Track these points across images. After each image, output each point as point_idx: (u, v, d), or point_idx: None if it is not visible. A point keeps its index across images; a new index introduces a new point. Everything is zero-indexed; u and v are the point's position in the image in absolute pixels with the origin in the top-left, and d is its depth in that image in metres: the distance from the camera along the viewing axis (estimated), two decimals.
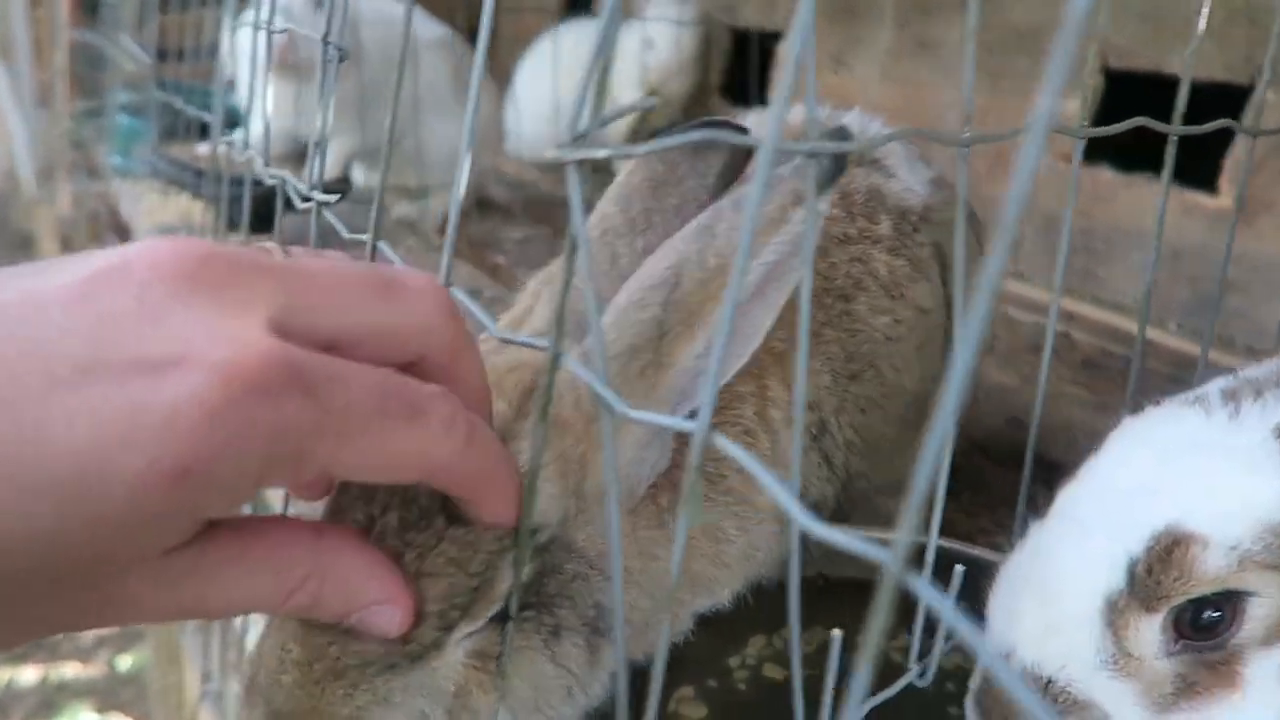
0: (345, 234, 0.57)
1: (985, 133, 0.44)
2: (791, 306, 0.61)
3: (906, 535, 0.25)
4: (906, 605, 0.63)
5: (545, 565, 0.49)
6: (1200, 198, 1.38)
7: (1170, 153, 0.61)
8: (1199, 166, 1.30)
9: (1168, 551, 0.44)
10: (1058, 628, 0.47)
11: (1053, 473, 0.70)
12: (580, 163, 0.35)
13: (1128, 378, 1.31)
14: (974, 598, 0.58)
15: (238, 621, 0.90)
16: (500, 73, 2.23)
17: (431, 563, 0.45)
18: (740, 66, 2.11)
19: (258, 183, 0.79)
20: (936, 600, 0.26)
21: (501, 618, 0.48)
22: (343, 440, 0.35)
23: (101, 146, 2.33)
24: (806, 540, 0.67)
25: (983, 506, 0.89)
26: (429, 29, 1.70)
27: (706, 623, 0.62)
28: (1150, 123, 0.58)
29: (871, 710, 0.54)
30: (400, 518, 0.45)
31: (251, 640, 0.87)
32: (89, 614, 0.35)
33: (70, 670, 3.06)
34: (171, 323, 0.32)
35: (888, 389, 0.69)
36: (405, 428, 0.37)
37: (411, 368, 0.40)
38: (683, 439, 0.56)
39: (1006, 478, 0.87)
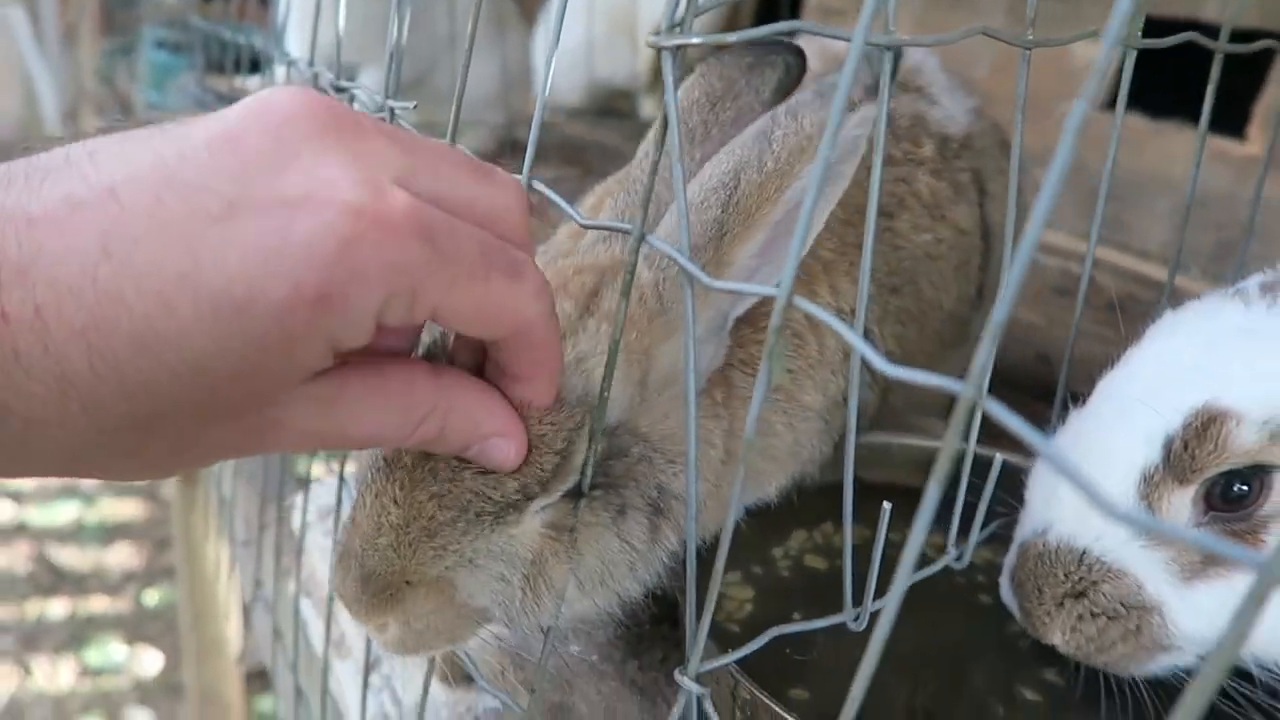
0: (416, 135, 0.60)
1: (1047, 38, 0.47)
2: (839, 221, 0.64)
3: (984, 359, 0.28)
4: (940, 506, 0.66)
5: (612, 448, 0.53)
6: (1229, 145, 1.39)
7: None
8: (1228, 114, 1.31)
9: (1204, 427, 0.47)
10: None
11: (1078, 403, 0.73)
12: (676, 49, 0.38)
13: (1152, 320, 1.33)
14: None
15: (296, 523, 0.95)
16: (530, 16, 2.24)
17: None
18: (770, 9, 2.11)
19: None
20: (1002, 414, 0.29)
21: (575, 494, 0.51)
22: (453, 285, 0.38)
23: (133, 83, 2.36)
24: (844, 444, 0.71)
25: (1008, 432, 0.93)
26: None
27: (753, 516, 0.66)
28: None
29: (910, 595, 0.58)
30: None
31: (310, 541, 0.91)
32: (247, 438, 0.39)
33: (98, 605, 3.15)
34: (306, 163, 0.35)
35: (926, 304, 0.73)
36: (506, 282, 0.40)
37: None
38: (737, 338, 0.59)
39: (1032, 408, 0.91)
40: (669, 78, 0.39)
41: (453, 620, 0.52)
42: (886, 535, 0.69)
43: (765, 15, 2.14)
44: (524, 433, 0.46)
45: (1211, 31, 0.68)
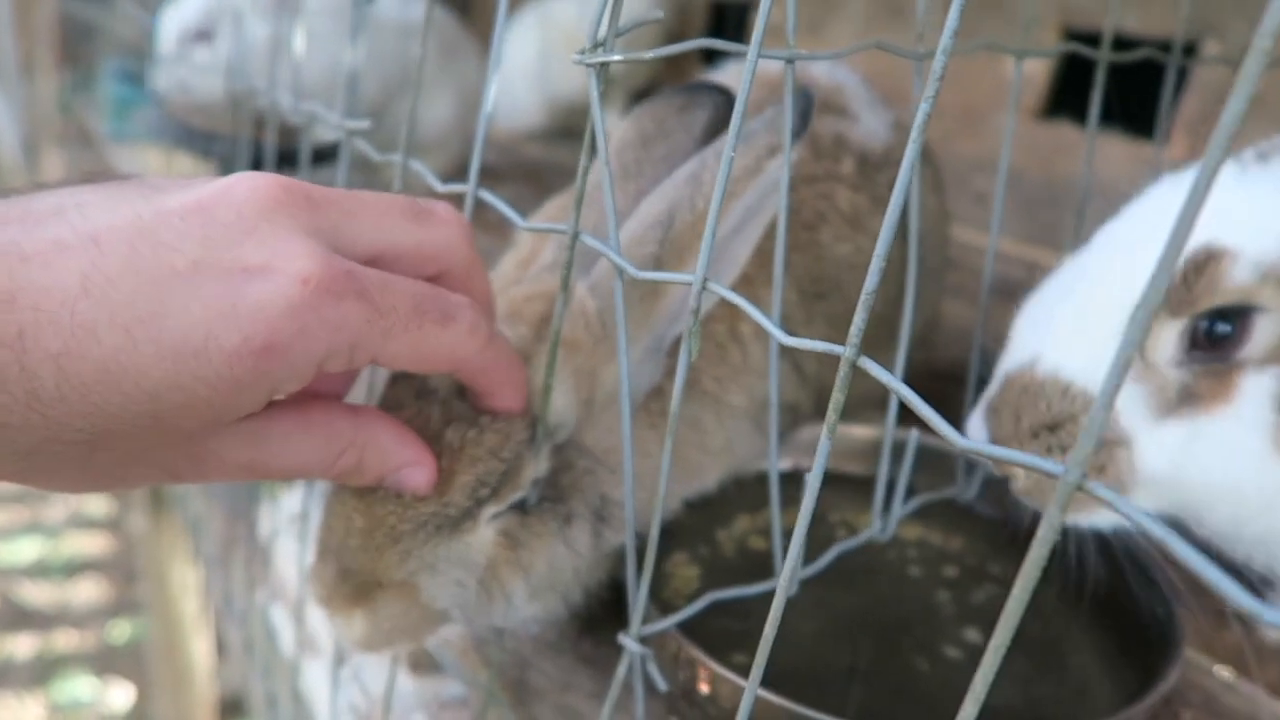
0: (376, 156, 0.64)
1: (934, 47, 0.52)
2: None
3: (858, 323, 0.33)
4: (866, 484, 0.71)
5: (560, 462, 0.57)
6: (1151, 149, 1.47)
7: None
8: (1151, 118, 1.39)
9: (1202, 264, 0.49)
10: (1087, 332, 0.52)
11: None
12: (600, 66, 0.43)
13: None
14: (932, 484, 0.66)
15: (263, 532, 0.98)
16: (485, 43, 2.29)
17: (470, 446, 0.53)
18: (718, 31, 2.17)
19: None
20: (886, 377, 0.33)
21: (523, 505, 0.56)
22: (389, 336, 0.44)
23: (94, 114, 2.37)
24: (785, 435, 0.75)
25: (948, 416, 0.98)
26: (417, 10, 1.72)
27: (697, 505, 0.70)
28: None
29: (841, 567, 0.62)
30: (443, 413, 0.54)
31: (279, 548, 0.94)
32: (184, 464, 0.44)
33: (65, 641, 3.12)
34: (262, 236, 0.41)
35: (851, 309, 0.77)
36: (439, 328, 0.46)
37: (436, 280, 0.49)
38: (671, 362, 0.63)
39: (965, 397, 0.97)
40: (594, 93, 0.43)
41: (418, 621, 0.56)
42: (827, 515, 0.74)
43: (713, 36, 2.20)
44: (434, 461, 0.52)
45: (1133, 42, 0.74)
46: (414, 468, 0.51)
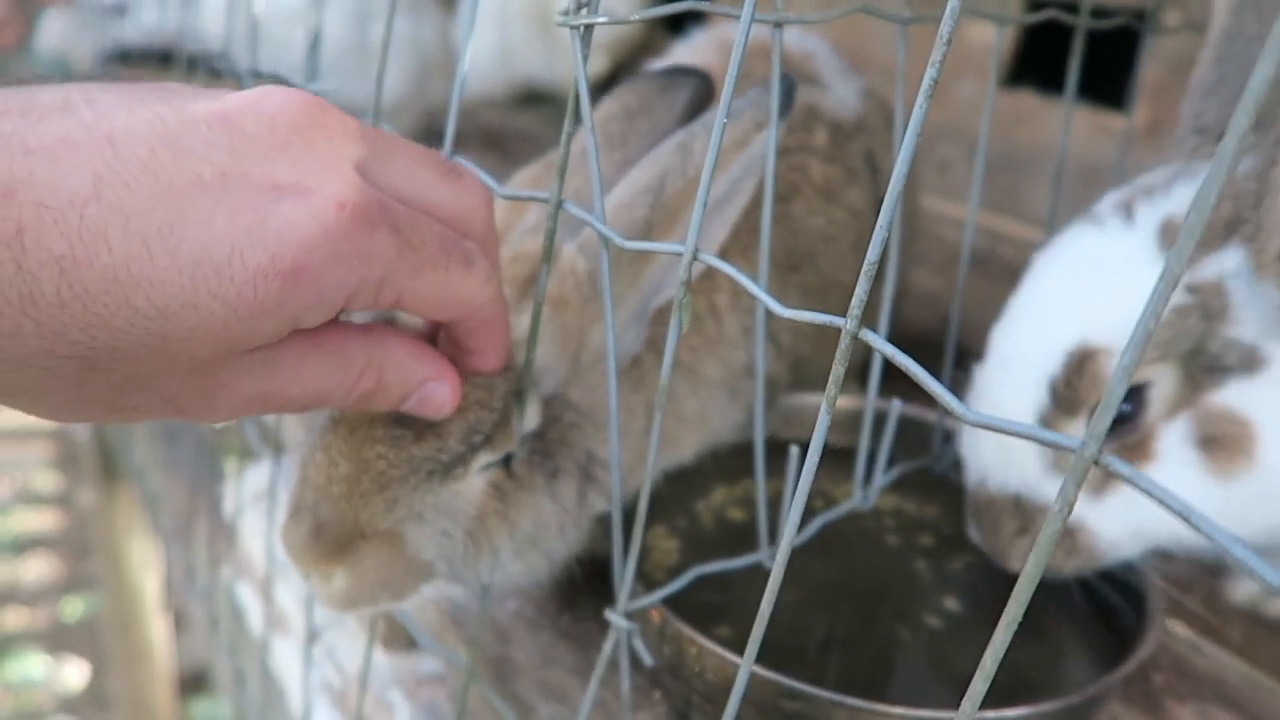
0: None
1: (923, 14, 0.51)
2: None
3: (860, 294, 0.32)
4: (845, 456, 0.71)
5: (547, 416, 0.56)
6: (1113, 118, 1.48)
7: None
8: (1113, 87, 1.40)
9: (1080, 366, 0.52)
10: (1008, 451, 0.56)
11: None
12: (585, 28, 0.41)
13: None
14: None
15: (228, 508, 0.96)
16: (448, 2, 2.24)
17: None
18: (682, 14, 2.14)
19: None
20: (889, 349, 0.33)
21: (511, 459, 0.55)
22: (417, 273, 0.42)
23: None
24: (766, 406, 0.75)
25: (915, 389, 0.99)
26: None
27: (676, 477, 0.69)
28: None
29: (819, 538, 0.62)
30: None
31: (244, 524, 0.92)
32: (192, 397, 0.40)
33: (16, 619, 3.06)
34: (295, 153, 0.38)
35: (825, 281, 0.77)
36: (462, 272, 0.44)
37: None
38: (651, 333, 0.63)
39: (936, 367, 0.98)
40: (578, 55, 0.42)
41: (401, 573, 0.55)
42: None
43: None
44: (457, 375, 0.49)
45: (1104, 11, 0.73)
46: (437, 383, 0.48)
